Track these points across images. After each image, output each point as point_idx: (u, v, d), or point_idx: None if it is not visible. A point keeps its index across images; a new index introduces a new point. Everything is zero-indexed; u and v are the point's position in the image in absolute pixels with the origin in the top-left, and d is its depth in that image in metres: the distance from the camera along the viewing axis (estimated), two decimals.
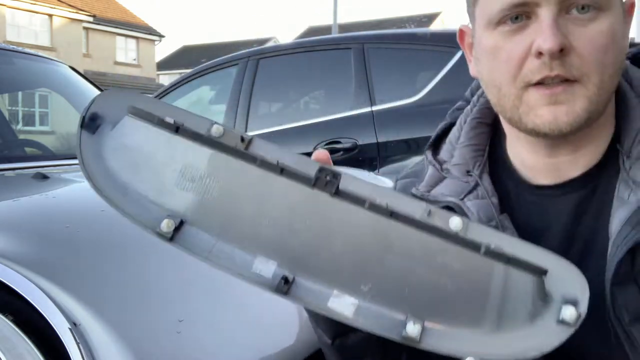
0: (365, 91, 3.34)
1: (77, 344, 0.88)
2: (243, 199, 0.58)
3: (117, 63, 27.31)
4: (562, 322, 0.53)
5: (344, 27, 21.99)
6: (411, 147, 3.20)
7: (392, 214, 0.56)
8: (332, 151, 3.27)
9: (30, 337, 0.91)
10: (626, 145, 0.73)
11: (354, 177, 0.57)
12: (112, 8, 28.14)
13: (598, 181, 0.75)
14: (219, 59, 4.14)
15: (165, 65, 34.47)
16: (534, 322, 0.53)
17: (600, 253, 0.71)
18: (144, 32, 28.87)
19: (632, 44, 0.79)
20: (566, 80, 0.68)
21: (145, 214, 0.59)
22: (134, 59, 28.58)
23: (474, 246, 0.55)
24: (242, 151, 0.58)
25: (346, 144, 3.23)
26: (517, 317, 0.54)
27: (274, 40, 32.10)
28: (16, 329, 0.91)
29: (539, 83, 0.69)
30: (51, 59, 2.63)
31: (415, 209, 0.56)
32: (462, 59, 3.17)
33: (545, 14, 0.67)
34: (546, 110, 0.69)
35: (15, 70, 2.38)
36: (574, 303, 0.53)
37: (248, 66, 3.77)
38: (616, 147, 0.74)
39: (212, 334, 1.04)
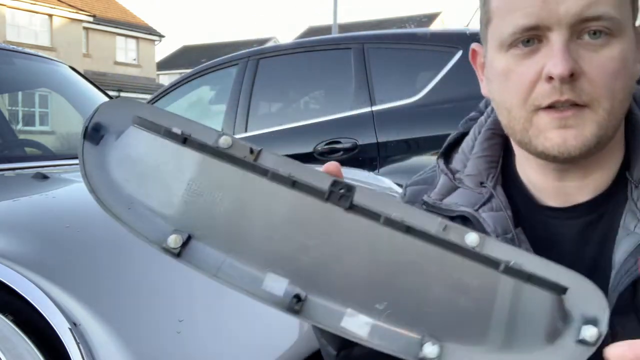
0: (365, 91, 3.34)
1: (77, 344, 0.88)
2: (253, 213, 0.56)
3: (117, 63, 27.30)
4: (582, 341, 0.52)
5: (344, 27, 21.99)
6: (411, 147, 3.20)
7: (408, 229, 0.54)
8: (332, 151, 3.27)
9: (30, 337, 0.91)
10: (635, 174, 0.73)
11: (368, 191, 0.56)
12: (112, 8, 28.14)
13: (605, 208, 0.75)
14: (219, 59, 4.14)
15: (165, 65, 34.46)
16: (554, 341, 0.52)
17: (602, 282, 0.71)
18: (144, 32, 28.86)
19: None
20: (576, 105, 0.68)
21: (151, 228, 0.57)
22: (134, 59, 28.57)
23: (492, 263, 0.53)
24: (251, 163, 0.56)
25: (346, 144, 3.22)
26: (536, 336, 0.53)
27: (274, 40, 32.09)
28: (16, 329, 0.91)
29: (550, 107, 0.69)
30: (51, 59, 2.63)
31: (431, 223, 0.54)
32: (462, 59, 3.18)
33: (556, 39, 0.68)
34: (555, 134, 0.69)
35: (15, 70, 2.38)
36: (594, 322, 0.52)
37: (248, 66, 3.77)
38: (625, 174, 0.74)
39: (212, 334, 1.04)
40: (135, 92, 23.58)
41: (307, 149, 3.32)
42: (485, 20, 0.76)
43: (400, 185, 2.33)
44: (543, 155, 0.73)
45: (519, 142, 0.76)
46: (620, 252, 0.70)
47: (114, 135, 0.60)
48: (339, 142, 3.25)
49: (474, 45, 0.83)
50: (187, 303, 1.08)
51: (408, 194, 0.90)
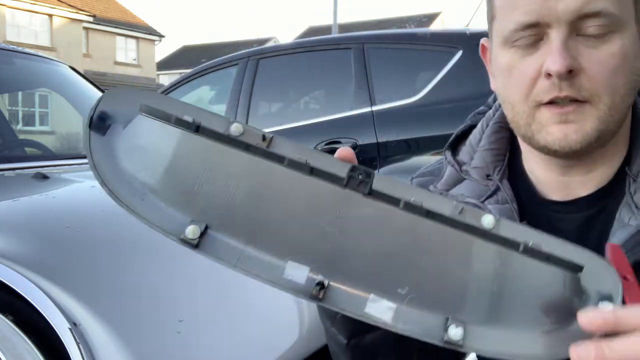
0: (365, 91, 3.34)
1: (77, 344, 0.88)
2: (270, 201, 0.55)
3: (117, 63, 27.30)
4: None
5: (344, 27, 21.98)
6: (411, 147, 3.20)
7: (427, 213, 0.54)
8: (332, 151, 3.27)
9: (30, 337, 0.91)
10: (634, 169, 0.74)
11: (385, 176, 0.55)
12: (112, 8, 28.14)
13: (606, 203, 0.76)
14: (219, 59, 4.14)
15: (165, 65, 34.46)
16: (572, 319, 0.52)
17: None
18: (144, 32, 28.86)
19: None
20: (577, 101, 0.69)
21: (167, 219, 0.56)
22: (134, 59, 28.57)
23: (511, 244, 0.54)
24: (265, 150, 0.55)
25: (346, 144, 3.22)
26: (555, 315, 0.53)
27: (274, 40, 32.08)
28: (16, 329, 0.91)
29: (551, 102, 0.70)
30: (51, 59, 2.63)
31: (448, 206, 0.54)
32: (462, 59, 3.18)
33: (555, 36, 0.68)
34: (557, 129, 0.71)
35: (15, 70, 2.38)
36: (610, 298, 0.53)
37: (248, 66, 3.77)
38: (625, 169, 0.75)
39: (212, 334, 1.04)
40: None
41: None
42: (490, 17, 0.77)
43: None
44: (545, 150, 0.74)
45: (522, 137, 0.77)
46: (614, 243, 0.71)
47: (121, 125, 0.58)
48: (339, 142, 3.25)
49: (483, 41, 0.84)
50: (187, 303, 1.08)
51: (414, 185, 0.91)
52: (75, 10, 24.18)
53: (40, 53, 2.69)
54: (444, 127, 3.14)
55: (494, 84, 0.82)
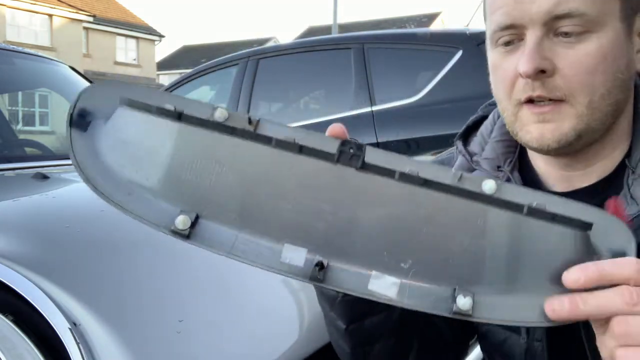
0: (365, 91, 3.34)
1: (77, 344, 0.88)
2: (260, 184, 0.54)
3: (117, 63, 27.31)
4: None
5: (344, 27, 21.98)
6: (411, 147, 3.20)
7: (425, 182, 0.52)
8: None
9: (30, 337, 0.91)
10: (634, 161, 0.75)
11: (378, 149, 0.53)
12: (112, 8, 28.14)
13: (606, 194, 0.76)
14: (219, 59, 4.14)
15: (165, 65, 34.46)
16: None
17: None
18: (144, 32, 28.87)
19: None
20: (554, 100, 0.70)
21: (156, 212, 0.55)
22: (134, 59, 28.58)
23: (514, 207, 0.52)
24: (252, 132, 0.53)
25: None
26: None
27: (274, 40, 32.09)
28: (16, 329, 0.91)
29: (530, 101, 0.72)
30: (51, 59, 2.62)
31: (446, 175, 0.52)
32: (462, 59, 3.18)
33: (529, 37, 0.70)
34: (534, 127, 0.72)
35: (15, 70, 2.38)
36: (622, 254, 0.51)
37: (248, 66, 3.77)
38: (626, 162, 0.76)
39: (212, 334, 1.04)
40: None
41: None
42: (484, 17, 0.79)
43: None
44: (528, 147, 0.76)
45: (511, 133, 0.78)
46: None
47: (101, 120, 0.57)
48: None
49: None
50: (187, 303, 1.08)
51: None
52: (75, 10, 24.18)
53: (40, 53, 2.69)
54: (444, 127, 3.14)
55: None
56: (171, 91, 4.18)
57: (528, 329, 0.80)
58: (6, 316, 0.93)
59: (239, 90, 3.73)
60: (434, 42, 3.37)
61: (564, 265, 0.51)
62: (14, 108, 3.14)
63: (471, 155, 0.87)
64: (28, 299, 0.93)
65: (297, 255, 0.53)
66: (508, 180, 0.81)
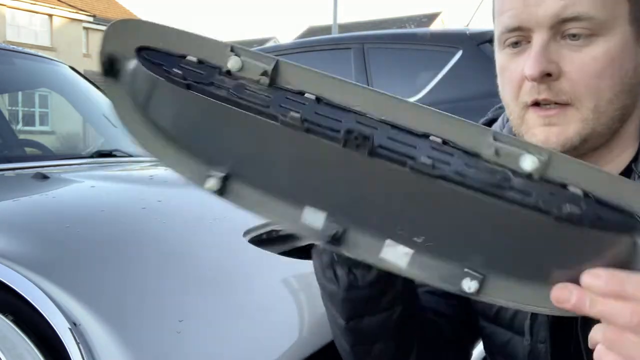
0: None
1: (77, 344, 0.88)
2: (281, 154, 0.54)
3: None
4: None
5: (344, 27, 21.96)
6: None
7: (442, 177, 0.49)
8: None
9: (30, 337, 0.91)
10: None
11: (388, 133, 0.50)
12: (112, 8, 28.14)
13: None
14: None
15: None
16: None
17: None
18: None
19: None
20: (560, 104, 0.70)
21: (192, 166, 0.56)
22: None
23: (547, 207, 0.46)
24: (260, 108, 0.52)
25: None
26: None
27: (274, 40, 32.07)
28: (16, 329, 0.91)
29: (536, 104, 0.71)
30: (51, 59, 2.62)
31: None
32: (462, 59, 3.19)
33: (536, 40, 0.70)
34: (540, 131, 0.72)
35: (15, 70, 2.38)
36: None
37: None
38: (632, 166, 0.76)
39: (212, 334, 1.04)
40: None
41: None
42: (492, 16, 0.79)
43: None
44: None
45: (517, 135, 0.78)
46: None
47: (128, 69, 0.56)
48: None
49: None
50: (187, 303, 1.08)
51: None
52: (75, 10, 24.19)
53: (40, 53, 2.69)
54: None
55: None
56: None
57: (532, 331, 0.79)
58: (6, 316, 0.93)
59: None
60: (434, 42, 3.37)
61: (591, 263, 0.49)
62: (14, 108, 3.14)
63: None
64: (28, 299, 0.93)
65: (316, 219, 0.54)
66: None
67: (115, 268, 1.11)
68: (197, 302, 1.09)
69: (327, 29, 22.58)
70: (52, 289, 0.95)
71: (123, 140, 2.40)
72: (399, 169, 0.49)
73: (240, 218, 1.38)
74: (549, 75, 0.69)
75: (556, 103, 0.70)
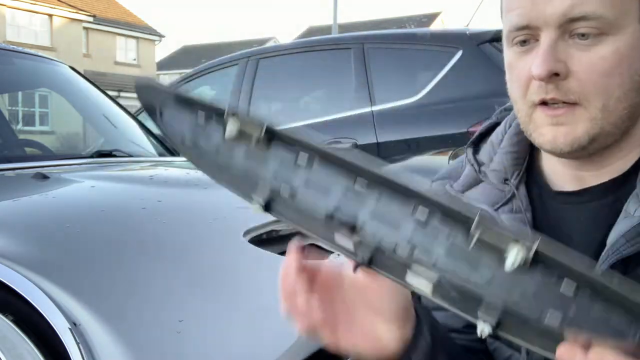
0: (365, 91, 3.35)
1: (77, 344, 0.88)
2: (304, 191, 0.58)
3: (117, 63, 27.30)
4: None
5: (344, 27, 21.95)
6: (411, 147, 3.20)
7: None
8: None
9: (30, 337, 0.91)
10: None
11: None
12: (112, 8, 28.14)
13: (619, 194, 0.75)
14: (219, 59, 4.14)
15: (165, 65, 34.46)
16: None
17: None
18: (144, 32, 28.86)
19: None
20: (569, 103, 0.69)
21: (240, 191, 0.60)
22: (134, 59, 28.57)
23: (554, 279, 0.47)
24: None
25: (346, 144, 3.23)
26: None
27: (274, 40, 32.07)
28: (16, 329, 0.91)
29: (544, 103, 0.71)
30: (51, 59, 2.62)
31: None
32: (462, 59, 3.19)
33: (543, 39, 0.69)
34: (547, 130, 0.72)
35: (15, 70, 2.38)
36: None
37: (248, 66, 3.78)
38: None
39: (212, 334, 1.04)
40: (135, 92, 23.54)
41: None
42: (500, 13, 0.78)
43: None
44: (541, 148, 0.75)
45: (525, 133, 0.78)
46: (615, 233, 0.71)
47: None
48: (339, 142, 3.25)
49: None
50: (187, 303, 1.08)
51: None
52: (75, 10, 24.19)
53: (40, 53, 2.69)
54: (443, 127, 3.14)
55: None
56: None
57: (528, 351, 0.78)
58: (6, 316, 0.93)
59: (239, 90, 3.73)
60: (434, 42, 3.37)
61: (600, 332, 0.48)
62: (14, 108, 3.14)
63: (479, 165, 0.85)
64: (28, 299, 0.93)
65: (347, 242, 0.56)
66: (512, 196, 0.80)
67: (115, 268, 1.11)
68: (197, 302, 1.09)
69: (327, 29, 22.56)
70: (52, 289, 0.95)
71: (123, 140, 2.40)
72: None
73: (241, 218, 1.39)
74: (556, 74, 0.68)
75: (564, 102, 0.69)
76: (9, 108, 2.91)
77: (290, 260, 0.61)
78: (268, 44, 20.71)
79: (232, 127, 0.57)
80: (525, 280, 0.49)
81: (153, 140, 2.45)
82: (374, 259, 0.55)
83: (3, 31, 22.04)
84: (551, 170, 0.81)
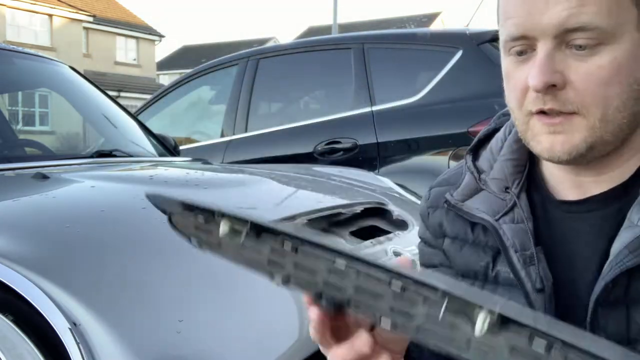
0: (365, 91, 3.34)
1: (77, 344, 0.88)
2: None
3: (117, 63, 27.30)
4: None
5: (344, 27, 21.96)
6: (411, 147, 3.20)
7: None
8: (332, 151, 3.27)
9: (30, 337, 0.91)
10: None
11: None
12: (112, 8, 28.14)
13: (622, 203, 0.75)
14: (219, 59, 4.14)
15: (165, 65, 34.47)
16: None
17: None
18: (144, 32, 28.86)
19: None
20: (565, 112, 0.69)
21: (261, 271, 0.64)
22: (134, 59, 28.58)
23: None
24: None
25: (346, 144, 3.22)
26: None
27: (274, 40, 32.08)
28: (16, 329, 0.92)
29: (541, 112, 0.70)
30: (51, 59, 2.63)
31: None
32: (462, 59, 3.18)
33: (540, 50, 0.69)
34: (545, 138, 0.71)
35: (15, 70, 2.38)
36: None
37: (248, 66, 3.77)
38: None
39: (212, 334, 1.04)
40: (135, 92, 23.57)
41: (307, 149, 3.32)
42: (497, 20, 0.78)
43: (400, 186, 2.33)
44: (540, 156, 0.75)
45: (522, 141, 0.77)
46: (618, 243, 0.70)
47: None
48: (339, 142, 3.25)
49: None
50: (187, 303, 1.08)
51: (432, 197, 0.89)
52: (75, 10, 24.20)
53: (40, 53, 2.69)
54: (443, 127, 3.14)
55: None
56: (171, 91, 4.17)
57: None
58: (6, 316, 0.93)
59: (239, 90, 3.73)
60: (434, 42, 3.37)
61: None
62: (14, 108, 3.14)
63: (479, 172, 0.84)
64: (28, 299, 0.93)
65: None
66: (514, 205, 0.79)
67: (115, 268, 1.11)
68: (197, 302, 1.10)
69: (327, 29, 22.57)
70: (52, 289, 0.95)
71: (123, 140, 2.40)
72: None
73: None
74: (553, 85, 0.68)
75: (562, 112, 0.69)
76: (9, 108, 2.91)
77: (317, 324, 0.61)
78: (268, 44, 20.70)
79: (224, 227, 0.63)
80: (499, 341, 0.50)
81: (153, 140, 2.45)
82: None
83: (3, 31, 22.04)
84: (551, 177, 0.80)
